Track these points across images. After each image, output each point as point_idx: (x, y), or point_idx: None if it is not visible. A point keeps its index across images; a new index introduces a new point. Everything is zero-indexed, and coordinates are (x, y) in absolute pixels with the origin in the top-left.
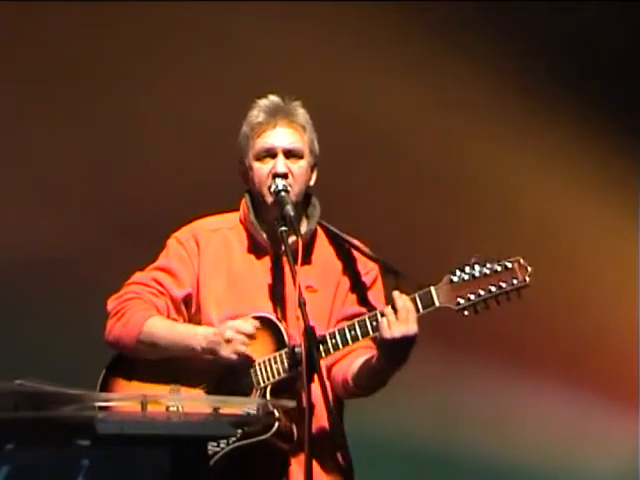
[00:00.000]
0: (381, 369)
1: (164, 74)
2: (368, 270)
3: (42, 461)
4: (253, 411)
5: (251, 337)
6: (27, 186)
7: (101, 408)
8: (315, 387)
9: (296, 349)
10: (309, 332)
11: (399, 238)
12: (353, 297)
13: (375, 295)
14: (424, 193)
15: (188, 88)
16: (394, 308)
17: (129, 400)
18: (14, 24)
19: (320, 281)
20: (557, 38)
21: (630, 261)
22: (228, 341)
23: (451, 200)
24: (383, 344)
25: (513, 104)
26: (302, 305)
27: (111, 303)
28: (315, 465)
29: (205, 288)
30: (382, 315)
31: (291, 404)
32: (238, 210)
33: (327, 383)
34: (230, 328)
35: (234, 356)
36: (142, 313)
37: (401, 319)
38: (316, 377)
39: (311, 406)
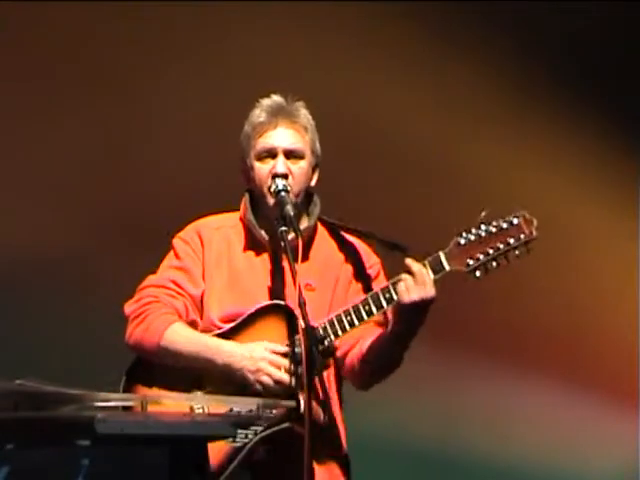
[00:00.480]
0: (397, 336)
1: (165, 74)
2: (371, 264)
3: (42, 461)
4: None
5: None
6: (28, 186)
7: (101, 408)
8: (315, 387)
9: (296, 349)
10: (309, 332)
11: (399, 238)
12: (358, 286)
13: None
14: (424, 193)
15: (189, 88)
16: (411, 273)
17: (129, 400)
18: (16, 23)
19: (319, 279)
20: (557, 38)
21: (630, 261)
22: (256, 371)
23: (451, 200)
24: (402, 309)
25: (513, 104)
26: (302, 305)
27: (129, 307)
28: (314, 464)
29: (208, 286)
30: (399, 281)
31: (291, 404)
32: (239, 210)
33: (327, 384)
34: (263, 359)
35: (257, 386)
36: (164, 318)
37: (419, 282)
38: (316, 377)
39: (311, 406)
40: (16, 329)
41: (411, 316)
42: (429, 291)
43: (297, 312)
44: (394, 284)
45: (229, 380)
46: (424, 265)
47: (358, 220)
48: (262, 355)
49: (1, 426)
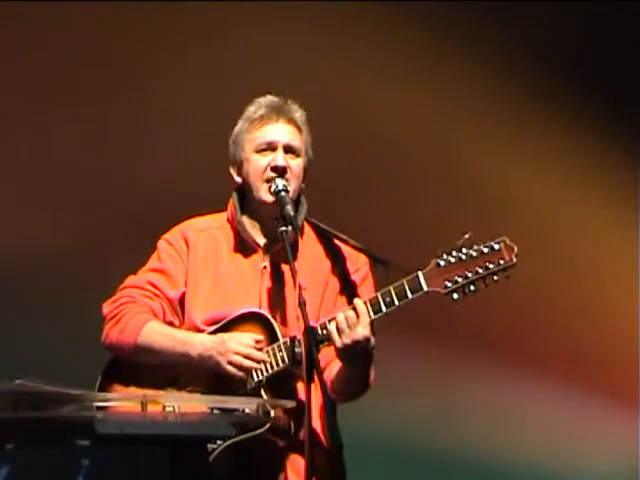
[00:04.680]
0: (349, 375)
1: (164, 75)
2: (358, 267)
3: (42, 461)
4: (252, 410)
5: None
6: (27, 186)
7: (101, 408)
8: (312, 386)
9: (296, 349)
10: (309, 332)
11: (399, 238)
12: (343, 299)
13: (365, 293)
14: (424, 193)
15: (188, 89)
16: (345, 315)
17: (129, 400)
18: (14, 24)
19: (308, 279)
20: (557, 38)
21: (630, 260)
22: (226, 352)
23: (451, 200)
24: (338, 352)
25: (513, 103)
26: (302, 305)
27: (106, 307)
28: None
29: (192, 289)
30: (334, 321)
31: (290, 404)
32: (225, 210)
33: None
34: (231, 340)
35: (230, 367)
36: (139, 317)
37: (351, 325)
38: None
39: (310, 406)
40: (16, 329)
41: (350, 358)
42: (360, 333)
43: (298, 312)
44: (330, 320)
45: (204, 375)
46: (401, 285)
47: (358, 220)
48: (230, 337)
49: (1, 426)
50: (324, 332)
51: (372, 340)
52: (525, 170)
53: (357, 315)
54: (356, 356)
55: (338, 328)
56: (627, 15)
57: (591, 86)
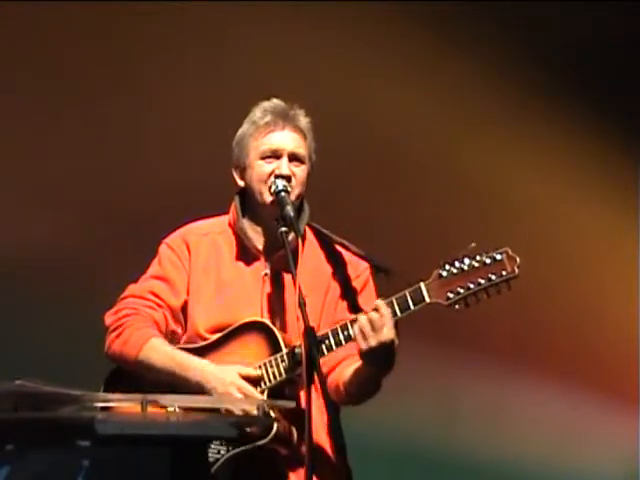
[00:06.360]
0: (368, 376)
1: (164, 76)
2: (359, 273)
3: (42, 461)
4: (253, 411)
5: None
6: (27, 186)
7: (101, 409)
8: (313, 390)
9: (296, 349)
10: (309, 332)
11: (398, 238)
12: (344, 304)
13: (366, 299)
14: (424, 194)
15: (188, 90)
16: (369, 317)
17: (129, 401)
18: (15, 24)
19: (309, 285)
20: (557, 37)
21: (630, 260)
22: (222, 393)
23: (451, 200)
24: (362, 354)
25: (513, 104)
26: (302, 305)
27: (109, 318)
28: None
29: (194, 295)
30: (357, 324)
31: (290, 404)
32: (227, 213)
33: (326, 386)
34: (232, 385)
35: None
36: (142, 332)
37: (376, 328)
38: (315, 379)
39: (310, 407)
40: (16, 329)
41: (373, 360)
42: (386, 335)
43: (298, 313)
44: (352, 322)
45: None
46: (403, 296)
47: (357, 220)
48: (232, 379)
49: (1, 426)
50: (337, 338)
51: (396, 341)
52: (525, 170)
53: (381, 319)
54: (380, 357)
55: (363, 331)
56: (627, 15)
57: (591, 86)
